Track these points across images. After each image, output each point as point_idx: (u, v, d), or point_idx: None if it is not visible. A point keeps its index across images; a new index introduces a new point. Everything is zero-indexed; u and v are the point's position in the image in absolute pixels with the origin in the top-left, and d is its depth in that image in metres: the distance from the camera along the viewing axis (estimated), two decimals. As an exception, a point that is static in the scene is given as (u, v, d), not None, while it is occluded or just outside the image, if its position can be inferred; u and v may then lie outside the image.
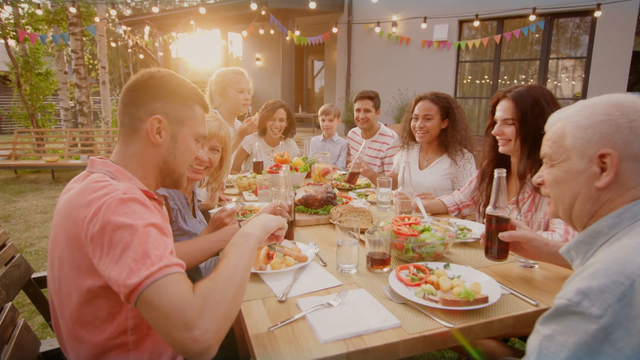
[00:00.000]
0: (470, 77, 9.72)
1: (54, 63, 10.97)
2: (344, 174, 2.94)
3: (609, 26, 7.76)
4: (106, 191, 0.92)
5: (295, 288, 1.23)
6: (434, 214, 2.19)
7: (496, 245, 1.31)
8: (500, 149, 1.84)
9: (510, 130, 1.77)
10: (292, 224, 1.65)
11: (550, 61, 8.77)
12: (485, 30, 9.27)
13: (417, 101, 2.56)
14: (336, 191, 2.34)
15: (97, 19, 8.62)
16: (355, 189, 2.62)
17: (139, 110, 1.06)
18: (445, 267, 1.32)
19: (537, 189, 1.69)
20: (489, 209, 1.33)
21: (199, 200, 2.26)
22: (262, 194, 2.30)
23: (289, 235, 1.64)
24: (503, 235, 1.28)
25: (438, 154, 2.59)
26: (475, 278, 1.24)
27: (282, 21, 9.05)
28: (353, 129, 3.73)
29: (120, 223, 0.86)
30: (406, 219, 1.55)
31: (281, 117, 3.34)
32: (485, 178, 1.96)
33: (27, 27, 10.31)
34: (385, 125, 3.61)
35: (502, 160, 1.91)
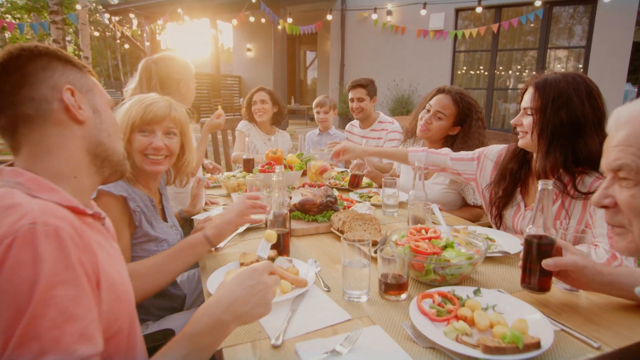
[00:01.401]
0: (465, 68, 9.49)
1: (35, 53, 10.49)
2: (342, 172, 2.70)
3: (609, 16, 7.56)
4: (10, 219, 0.65)
5: (293, 325, 0.98)
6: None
7: (537, 274, 1.07)
8: (519, 143, 1.61)
9: (527, 122, 1.53)
10: (287, 235, 1.41)
11: (548, 51, 8.56)
12: (480, 20, 9.02)
13: (438, 92, 2.26)
14: (336, 193, 2.10)
15: (78, 7, 8.21)
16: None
17: (40, 88, 0.79)
18: (475, 293, 1.08)
19: (568, 193, 1.46)
20: (530, 228, 1.09)
21: (183, 210, 1.97)
22: (252, 197, 2.04)
23: (284, 250, 1.40)
24: (547, 264, 1.04)
25: None
26: (516, 309, 1.01)
27: (274, 9, 8.72)
28: (351, 122, 3.49)
29: (16, 278, 0.60)
30: (423, 231, 1.31)
31: (262, 99, 3.23)
32: (506, 174, 1.71)
33: (6, 15, 9.83)
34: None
35: (525, 157, 1.68)
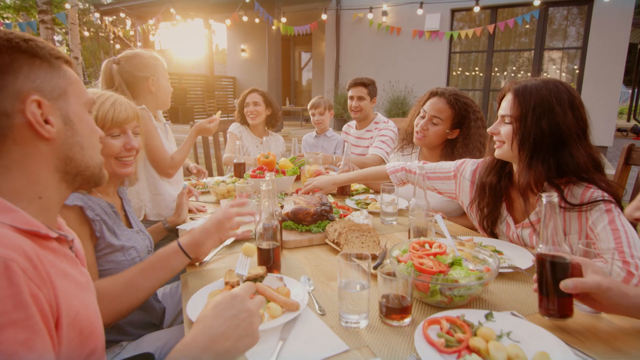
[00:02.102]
0: (460, 69, 9.43)
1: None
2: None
3: (605, 17, 7.51)
4: None
5: (284, 359, 0.86)
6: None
7: (555, 298, 0.95)
8: (495, 153, 1.48)
9: (505, 130, 1.41)
10: (277, 250, 1.28)
11: (545, 52, 8.50)
12: (474, 21, 8.96)
13: (431, 95, 2.13)
14: (331, 200, 1.98)
15: (68, 6, 8.04)
16: (352, 194, 2.25)
17: None
18: (487, 317, 0.97)
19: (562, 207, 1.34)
20: (541, 247, 0.98)
21: (167, 220, 1.82)
22: (242, 205, 1.91)
23: (274, 266, 1.27)
24: (566, 286, 0.92)
25: None
26: (533, 337, 0.89)
27: (268, 9, 8.60)
28: (348, 123, 3.38)
29: None
30: (427, 246, 1.19)
31: (255, 101, 3.09)
32: (485, 188, 1.58)
33: (-6, 15, 9.64)
34: None
35: (503, 169, 1.55)
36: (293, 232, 1.59)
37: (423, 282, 1.02)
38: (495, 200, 1.56)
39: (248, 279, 1.15)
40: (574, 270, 0.97)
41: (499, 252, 1.40)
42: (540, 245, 0.98)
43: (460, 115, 2.06)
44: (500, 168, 1.55)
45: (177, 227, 1.76)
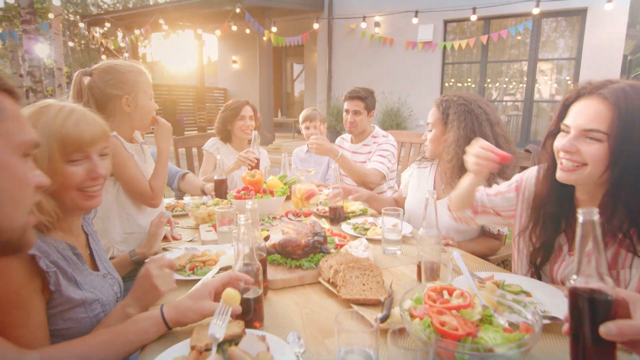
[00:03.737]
0: (453, 80, 9.33)
1: (7, 65, 10.03)
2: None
3: (599, 28, 7.46)
4: None
5: None
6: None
7: (594, 345, 0.73)
8: (559, 175, 1.15)
9: (592, 150, 1.07)
10: (260, 298, 1.04)
11: (538, 63, 8.43)
12: (467, 32, 8.88)
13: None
14: (326, 226, 1.74)
15: (51, 16, 7.80)
16: (349, 217, 2.01)
17: None
18: (534, 400, 0.73)
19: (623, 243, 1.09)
20: (575, 279, 0.75)
21: (136, 252, 1.55)
22: (222, 233, 1.66)
23: (255, 318, 1.03)
24: (608, 331, 0.70)
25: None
26: None
27: (259, 20, 8.45)
28: (342, 135, 3.14)
29: None
30: (445, 293, 0.95)
31: (250, 115, 2.86)
32: (547, 222, 1.26)
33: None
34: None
35: (563, 191, 1.22)
36: (280, 269, 1.34)
37: (447, 350, 0.79)
38: (554, 233, 1.28)
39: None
40: (619, 309, 0.74)
41: (527, 294, 1.17)
42: (574, 277, 0.75)
43: (445, 113, 1.89)
44: (559, 191, 1.22)
45: (147, 260, 1.51)
